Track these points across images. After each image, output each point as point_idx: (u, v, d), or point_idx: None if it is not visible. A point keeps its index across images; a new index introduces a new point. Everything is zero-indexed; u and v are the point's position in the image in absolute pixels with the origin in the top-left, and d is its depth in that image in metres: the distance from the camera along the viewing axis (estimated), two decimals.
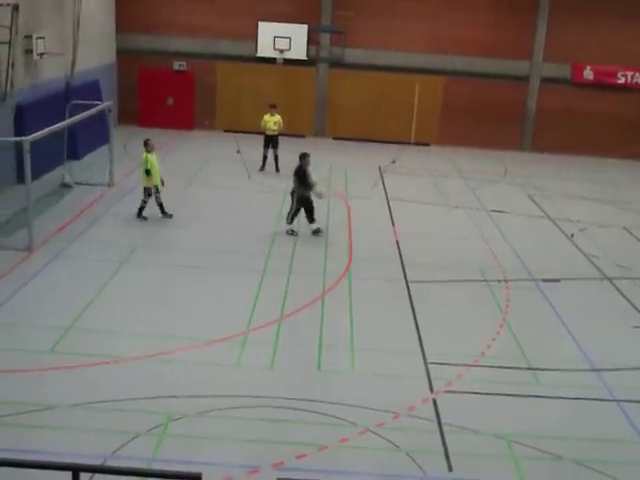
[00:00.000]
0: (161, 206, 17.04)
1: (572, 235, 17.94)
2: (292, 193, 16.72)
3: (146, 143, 16.97)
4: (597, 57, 27.91)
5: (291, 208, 16.64)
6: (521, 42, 27.89)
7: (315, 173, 16.91)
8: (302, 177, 16.44)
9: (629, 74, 28.00)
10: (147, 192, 16.86)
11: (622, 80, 28.06)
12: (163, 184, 17.12)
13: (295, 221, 16.64)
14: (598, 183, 24.24)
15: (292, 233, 16.56)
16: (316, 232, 16.68)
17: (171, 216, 17.09)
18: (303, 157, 16.72)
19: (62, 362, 10.25)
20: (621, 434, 9.52)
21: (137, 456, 8.31)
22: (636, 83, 28.08)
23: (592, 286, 14.90)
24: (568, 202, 21.41)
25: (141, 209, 16.94)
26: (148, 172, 16.64)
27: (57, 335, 11.05)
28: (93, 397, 9.40)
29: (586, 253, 16.70)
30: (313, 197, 16.55)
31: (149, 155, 16.78)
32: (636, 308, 13.71)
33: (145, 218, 16.92)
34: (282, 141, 22.60)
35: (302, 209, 16.57)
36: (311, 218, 16.65)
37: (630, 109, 28.23)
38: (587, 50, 27.79)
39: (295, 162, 16.85)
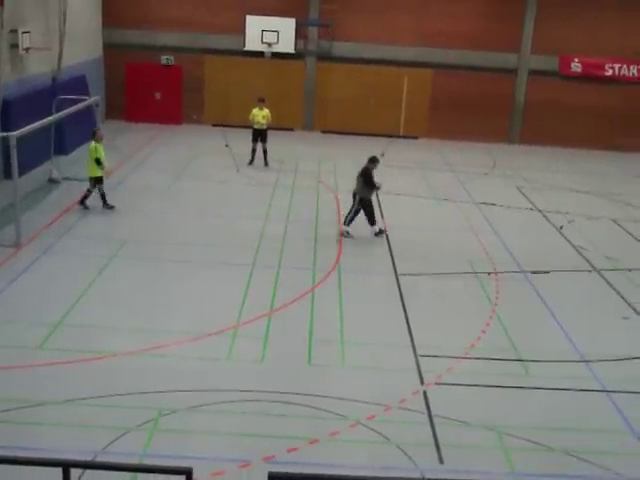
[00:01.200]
0: (103, 197, 17.01)
1: (561, 227, 18.01)
2: (354, 194, 16.46)
3: (95, 133, 17.00)
4: (585, 49, 27.98)
5: (351, 209, 16.41)
6: (509, 34, 27.91)
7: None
8: (368, 179, 16.21)
9: (617, 66, 28.08)
10: (94, 182, 16.83)
11: (610, 72, 28.14)
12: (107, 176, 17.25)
13: (352, 224, 16.41)
14: (586, 175, 24.33)
15: (348, 235, 16.29)
16: (378, 234, 16.43)
17: (113, 207, 17.01)
18: (372, 160, 16.41)
19: (52, 358, 10.22)
20: (611, 424, 9.57)
21: (128, 451, 8.29)
22: (623, 75, 28.17)
23: (581, 278, 14.96)
24: (557, 194, 21.48)
25: (85, 197, 16.90)
26: (98, 161, 16.64)
27: (47, 331, 11.01)
28: (83, 393, 9.37)
29: (575, 245, 16.77)
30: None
31: (98, 145, 16.79)
32: (625, 299, 13.78)
33: (87, 207, 16.88)
34: (271, 135, 22.56)
35: (362, 211, 16.39)
36: (372, 220, 16.44)
37: (617, 101, 28.32)
38: (575, 42, 27.86)
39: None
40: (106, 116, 27.08)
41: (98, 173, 16.81)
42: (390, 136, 28.30)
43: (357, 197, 16.38)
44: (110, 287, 12.88)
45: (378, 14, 27.76)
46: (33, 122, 15.52)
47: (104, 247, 14.66)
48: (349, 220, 16.42)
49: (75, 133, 21.81)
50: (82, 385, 9.60)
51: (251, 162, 22.38)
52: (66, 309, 11.78)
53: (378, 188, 16.53)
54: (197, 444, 8.60)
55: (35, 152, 18.40)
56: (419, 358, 10.95)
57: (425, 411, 9.55)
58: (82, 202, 16.90)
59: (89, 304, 12.10)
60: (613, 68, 28.10)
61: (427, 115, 28.84)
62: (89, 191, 16.91)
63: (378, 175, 16.66)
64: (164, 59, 27.94)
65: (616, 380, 10.67)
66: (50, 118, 17.12)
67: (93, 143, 16.83)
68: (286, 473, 4.98)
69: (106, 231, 15.81)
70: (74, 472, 4.87)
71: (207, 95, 28.56)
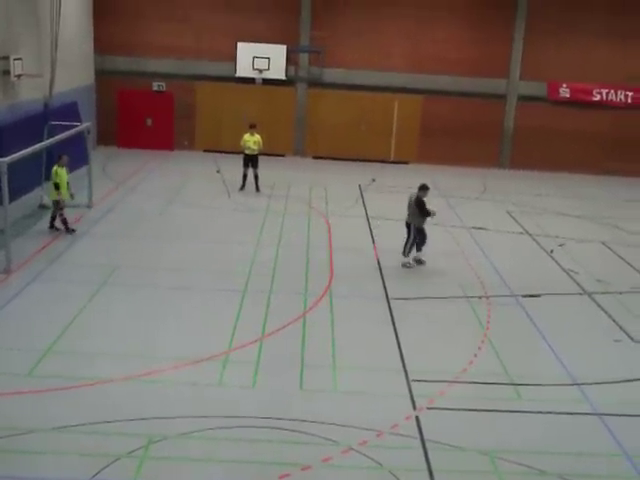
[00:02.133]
0: (54, 219, 17.17)
1: (551, 251, 18.07)
2: (408, 225, 16.36)
3: (60, 157, 17.21)
4: (573, 75, 28.27)
5: (407, 240, 16.31)
6: (498, 61, 28.20)
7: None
8: (422, 207, 16.13)
9: (604, 91, 28.36)
10: (57, 205, 17.01)
11: (597, 97, 28.41)
12: (72, 198, 17.47)
13: (411, 254, 16.36)
14: (576, 199, 24.46)
15: (409, 266, 16.24)
16: (420, 262, 16.38)
17: (59, 230, 17.13)
18: (423, 188, 16.32)
19: (41, 385, 10.13)
20: (604, 448, 9.54)
21: (118, 479, 8.20)
22: (611, 100, 28.44)
23: (572, 301, 14.98)
24: (547, 218, 21.57)
25: (53, 218, 17.15)
26: (57, 186, 16.80)
27: (36, 357, 10.92)
28: (73, 420, 9.28)
29: (565, 268, 16.81)
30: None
31: (60, 169, 16.97)
32: (616, 322, 13.80)
33: (58, 229, 17.08)
34: (262, 160, 22.62)
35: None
36: (420, 248, 16.39)
37: (606, 126, 28.57)
38: (563, 68, 28.17)
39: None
40: (98, 142, 27.12)
41: (54, 197, 16.98)
42: (381, 161, 28.46)
43: (412, 226, 16.25)
44: (101, 313, 12.81)
45: (368, 40, 28.01)
46: (24, 148, 15.53)
47: (95, 273, 14.60)
48: (408, 251, 16.29)
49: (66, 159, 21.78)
50: (71, 412, 9.51)
51: (242, 188, 22.42)
52: (56, 336, 11.70)
53: (433, 215, 16.39)
54: (188, 471, 8.53)
55: (26, 178, 18.40)
56: (411, 383, 10.90)
57: (418, 436, 9.49)
58: (52, 225, 17.14)
59: (79, 331, 12.03)
60: (601, 93, 28.37)
61: (418, 140, 29.00)
62: (54, 212, 17.11)
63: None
64: (156, 85, 28.07)
65: (609, 403, 10.65)
66: (41, 144, 17.15)
67: (55, 167, 17.01)
68: None
69: (97, 257, 15.76)
70: None
71: (198, 121, 28.67)
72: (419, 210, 16.17)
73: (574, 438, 9.75)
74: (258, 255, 16.48)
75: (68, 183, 17.21)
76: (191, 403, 9.94)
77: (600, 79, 28.27)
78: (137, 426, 9.27)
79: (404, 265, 16.27)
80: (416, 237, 16.31)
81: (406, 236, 16.43)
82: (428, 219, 16.48)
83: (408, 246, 16.33)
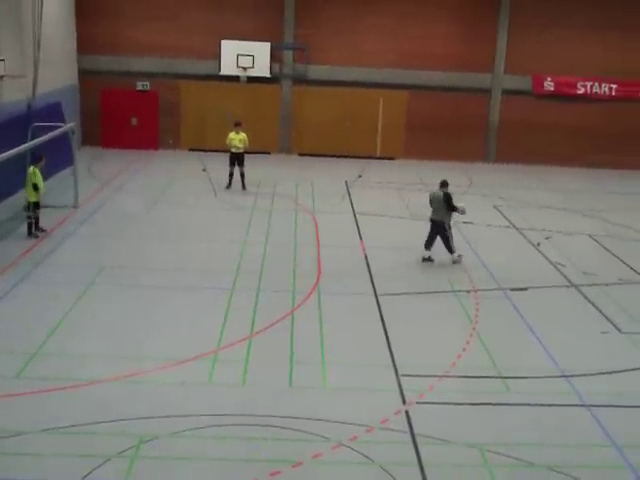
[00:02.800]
0: (37, 221, 16.81)
1: (538, 244, 18.14)
2: (433, 221, 16.33)
3: (40, 158, 16.93)
4: (557, 68, 28.41)
5: (449, 237, 16.27)
6: (482, 55, 28.29)
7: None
8: (450, 202, 16.12)
9: (588, 84, 28.51)
10: (33, 207, 16.68)
11: (582, 90, 28.56)
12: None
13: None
14: (562, 192, 24.57)
15: (460, 259, 16.30)
16: (429, 260, 16.41)
17: (45, 231, 16.87)
18: (445, 184, 16.38)
19: (30, 387, 10.08)
20: (592, 439, 9.60)
21: (109, 479, 8.20)
22: (595, 93, 28.60)
23: (559, 293, 15.05)
24: (533, 211, 21.67)
25: (29, 226, 16.70)
26: (35, 187, 16.54)
27: (24, 360, 10.87)
28: (62, 422, 9.24)
29: (552, 261, 16.89)
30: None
31: (36, 169, 16.71)
32: (603, 314, 13.87)
33: (37, 236, 16.69)
34: (248, 158, 22.61)
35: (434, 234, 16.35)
36: (429, 245, 16.39)
37: (590, 119, 28.72)
38: (547, 61, 28.30)
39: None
40: (82, 143, 27.01)
41: (34, 198, 16.66)
42: (367, 157, 28.48)
43: (442, 224, 16.21)
44: (88, 314, 12.76)
45: (352, 37, 28.03)
46: (8, 150, 15.43)
47: (81, 274, 14.54)
48: (451, 247, 16.27)
49: (50, 161, 21.66)
50: (61, 414, 9.47)
51: (229, 186, 22.38)
52: (44, 337, 11.65)
53: (461, 212, 16.34)
54: (179, 470, 8.52)
55: (10, 180, 18.29)
56: (400, 378, 10.93)
57: (408, 430, 9.52)
58: (30, 233, 16.67)
59: (67, 332, 11.98)
60: (585, 86, 28.52)
61: (403, 136, 29.05)
62: (29, 218, 16.73)
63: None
64: (140, 85, 27.96)
65: (597, 394, 10.71)
66: (25, 146, 17.05)
67: (32, 168, 16.76)
68: None
69: (83, 258, 15.69)
70: None
71: (183, 120, 28.60)
72: (447, 205, 16.15)
73: (563, 430, 9.80)
74: (245, 253, 16.47)
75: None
76: (181, 402, 9.92)
77: (584, 72, 28.41)
78: (127, 426, 9.25)
79: (456, 261, 16.27)
80: (449, 233, 16.27)
81: (429, 232, 16.40)
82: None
83: (449, 244, 16.28)
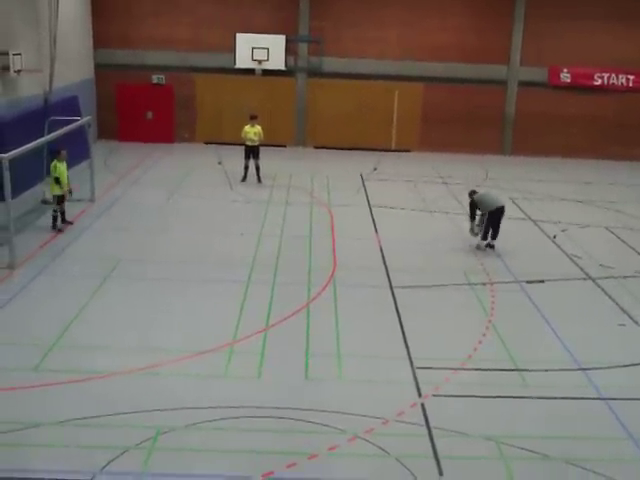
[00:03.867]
0: (62, 215, 16.98)
1: (554, 236, 18.05)
2: (481, 215, 16.81)
3: (58, 152, 17.02)
4: (574, 59, 28.20)
5: (490, 228, 16.74)
6: (498, 46, 28.13)
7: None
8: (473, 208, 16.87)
9: (605, 75, 28.28)
10: (57, 200, 16.85)
11: (599, 82, 28.34)
12: (71, 194, 17.28)
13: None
14: (578, 184, 24.43)
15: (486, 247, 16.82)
16: (484, 247, 16.91)
17: (71, 223, 17.11)
18: (473, 193, 17.17)
19: (47, 379, 10.16)
20: (609, 432, 9.57)
21: (127, 471, 8.25)
22: (613, 84, 28.37)
23: (576, 286, 14.98)
24: (549, 203, 21.55)
25: (54, 219, 16.87)
26: (57, 180, 16.67)
27: (41, 352, 10.96)
28: (80, 413, 9.32)
29: (569, 254, 16.81)
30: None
31: (59, 164, 16.83)
32: (620, 306, 13.80)
33: (61, 229, 16.82)
34: (263, 151, 22.61)
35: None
36: (486, 237, 16.87)
37: (607, 110, 28.52)
38: (564, 53, 28.10)
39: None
40: (98, 136, 27.13)
41: (57, 192, 16.82)
42: (382, 150, 28.43)
43: (484, 214, 16.68)
44: (105, 307, 12.84)
45: (367, 29, 27.94)
46: (25, 144, 15.52)
47: (98, 267, 14.63)
48: (492, 235, 16.70)
49: (68, 154, 21.77)
50: (78, 406, 9.54)
51: (244, 179, 22.41)
52: (61, 330, 11.74)
53: (472, 230, 16.95)
54: (196, 462, 8.56)
55: (28, 174, 18.39)
56: (416, 370, 10.93)
57: (423, 423, 9.52)
58: (55, 226, 16.84)
59: (84, 324, 12.07)
60: (602, 77, 28.30)
61: (419, 128, 28.96)
62: (55, 211, 16.90)
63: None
64: (155, 78, 28.03)
65: (614, 387, 10.67)
66: (42, 139, 17.15)
67: (55, 162, 16.89)
68: None
69: (100, 251, 15.78)
70: None
71: (199, 113, 28.65)
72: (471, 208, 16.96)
73: (579, 423, 9.78)
74: (261, 246, 16.50)
75: (68, 178, 17.19)
76: (197, 394, 9.97)
77: (601, 63, 28.19)
78: (144, 418, 9.31)
79: (485, 247, 16.81)
80: (489, 221, 16.69)
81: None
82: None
83: (494, 233, 16.74)
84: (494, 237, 16.79)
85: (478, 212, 16.89)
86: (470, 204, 17.01)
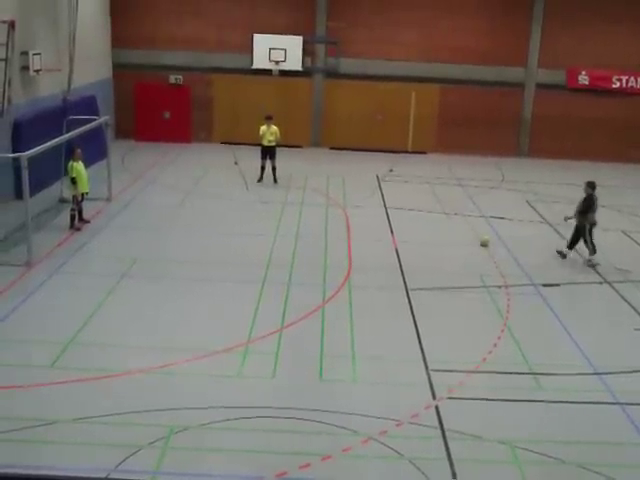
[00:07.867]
0: (80, 213, 17.12)
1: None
2: (581, 225, 16.36)
3: (73, 151, 17.16)
4: (592, 62, 28.03)
5: (585, 241, 16.35)
6: (516, 49, 28.01)
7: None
8: (592, 205, 16.29)
9: (624, 78, 28.10)
10: (74, 200, 16.98)
11: (617, 84, 28.15)
12: (83, 198, 17.29)
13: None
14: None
15: (590, 263, 16.21)
16: (563, 254, 16.57)
17: (88, 222, 17.26)
18: (594, 186, 16.50)
19: (63, 377, 10.24)
20: (624, 437, 9.51)
21: (140, 469, 8.29)
22: (631, 87, 28.18)
23: (592, 290, 14.91)
24: (566, 207, 21.38)
25: (72, 218, 16.99)
26: (74, 180, 16.78)
27: (58, 350, 11.04)
28: (95, 411, 9.37)
29: (585, 257, 16.70)
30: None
31: (75, 164, 16.94)
32: (636, 311, 13.71)
33: (79, 228, 16.92)
34: (279, 152, 22.65)
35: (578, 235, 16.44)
36: (573, 245, 16.52)
37: (626, 113, 28.31)
38: (582, 55, 27.93)
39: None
40: (116, 136, 27.23)
41: (73, 191, 16.98)
42: (399, 151, 28.38)
43: (587, 225, 16.27)
44: (121, 305, 12.91)
45: (385, 31, 27.91)
46: (44, 143, 15.63)
47: (115, 265, 14.71)
48: (592, 249, 16.23)
49: (85, 153, 21.91)
50: (94, 403, 9.61)
51: (260, 179, 22.45)
52: (77, 328, 11.82)
53: (591, 221, 16.36)
54: (209, 461, 8.60)
55: (46, 172, 18.53)
56: (431, 372, 10.91)
57: (437, 426, 9.51)
58: (72, 225, 16.95)
59: (100, 322, 12.14)
60: (620, 80, 28.11)
61: (435, 130, 28.90)
62: (73, 210, 17.04)
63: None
64: (173, 78, 28.13)
65: (629, 392, 10.60)
66: (61, 138, 17.26)
67: (71, 162, 17.03)
68: None
69: (117, 249, 15.86)
70: None
71: (216, 113, 28.72)
72: (587, 207, 16.25)
73: (595, 427, 9.73)
74: (276, 246, 16.52)
75: (88, 178, 17.27)
76: (212, 394, 10.01)
77: (620, 66, 28.00)
78: (159, 417, 9.36)
79: (591, 263, 16.16)
80: (583, 234, 16.30)
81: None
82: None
83: (590, 243, 16.25)
84: (571, 247, 16.52)
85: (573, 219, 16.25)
86: (585, 200, 16.24)
